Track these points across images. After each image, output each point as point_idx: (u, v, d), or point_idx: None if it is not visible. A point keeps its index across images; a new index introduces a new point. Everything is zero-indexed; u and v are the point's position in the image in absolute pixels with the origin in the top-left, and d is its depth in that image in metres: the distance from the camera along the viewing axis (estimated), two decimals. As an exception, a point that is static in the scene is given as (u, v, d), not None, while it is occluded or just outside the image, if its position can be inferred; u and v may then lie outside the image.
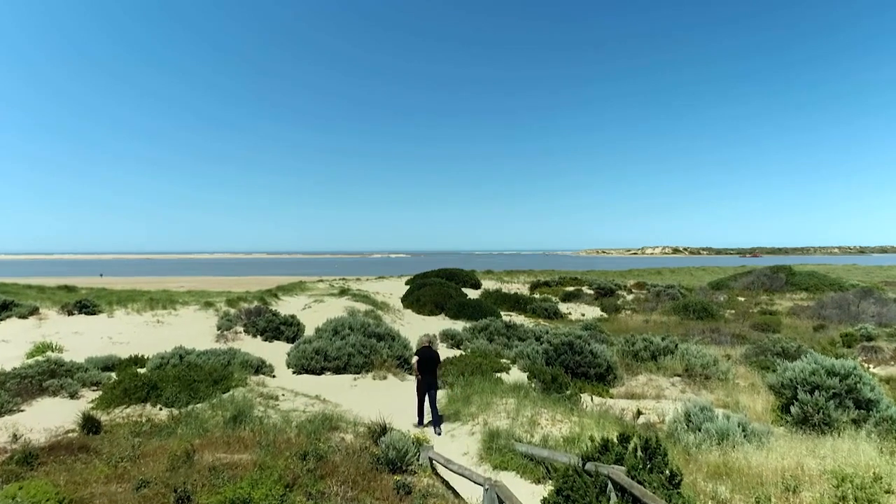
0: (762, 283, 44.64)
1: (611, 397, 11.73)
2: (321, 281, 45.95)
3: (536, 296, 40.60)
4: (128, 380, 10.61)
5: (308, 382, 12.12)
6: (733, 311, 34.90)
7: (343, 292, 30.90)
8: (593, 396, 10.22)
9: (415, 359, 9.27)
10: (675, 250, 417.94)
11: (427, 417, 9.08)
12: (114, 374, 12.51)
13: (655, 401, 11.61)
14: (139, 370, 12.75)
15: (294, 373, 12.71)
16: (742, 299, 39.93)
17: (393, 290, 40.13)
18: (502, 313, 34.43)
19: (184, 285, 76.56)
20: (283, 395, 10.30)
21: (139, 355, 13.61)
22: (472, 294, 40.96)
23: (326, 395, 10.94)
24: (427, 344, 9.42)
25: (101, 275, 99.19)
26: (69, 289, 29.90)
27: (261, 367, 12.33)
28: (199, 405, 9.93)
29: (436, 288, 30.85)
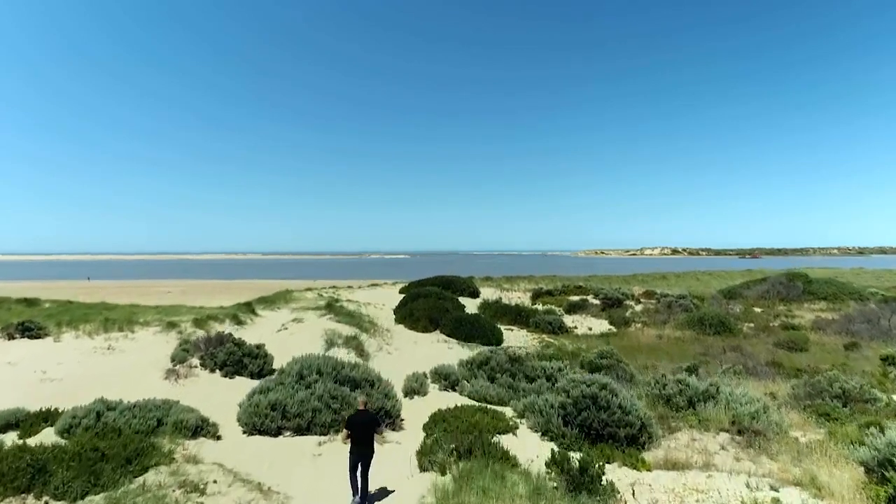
0: (777, 291, 42.10)
1: (648, 470, 9.11)
2: (310, 289, 43.27)
3: (539, 306, 38.02)
4: (8, 459, 7.94)
5: (260, 449, 9.47)
6: (752, 325, 32.38)
7: (329, 305, 28.26)
8: (634, 489, 7.60)
9: (344, 432, 7.82)
10: (674, 251, 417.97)
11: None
12: (15, 436, 9.86)
13: (706, 475, 8.99)
14: (47, 429, 10.10)
15: (245, 433, 10.06)
16: (758, 310, 37.37)
17: (386, 299, 37.55)
18: (503, 328, 31.94)
19: (171, 290, 74.02)
20: (215, 481, 7.64)
21: (51, 409, 10.93)
22: (471, 303, 38.48)
23: (278, 474, 8.30)
24: (362, 406, 7.99)
25: (89, 278, 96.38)
26: (29, 302, 27.22)
27: (201, 428, 9.67)
28: (97, 497, 7.28)
29: (430, 301, 28.22)
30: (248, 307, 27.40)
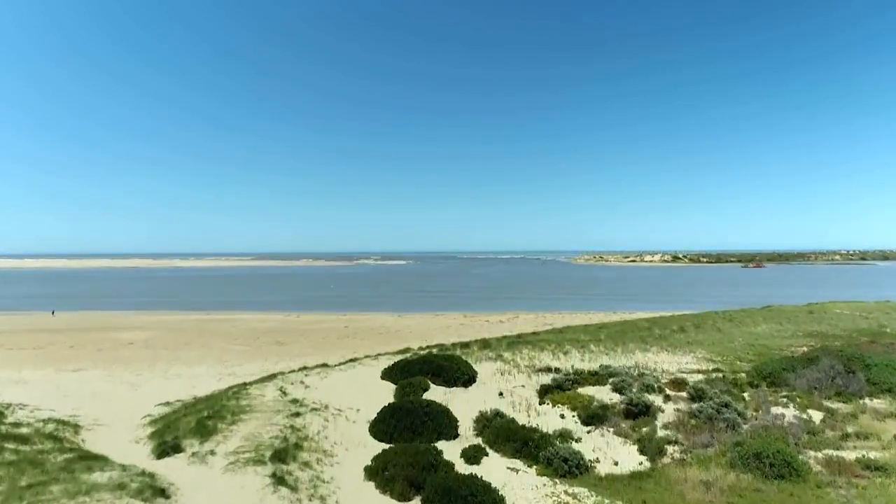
0: (832, 379, 35.26)
1: None
2: (274, 375, 36.56)
3: (548, 410, 31.22)
4: None
5: None
6: (820, 456, 25.56)
7: (279, 456, 21.51)
8: None
9: None
10: (675, 258, 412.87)
11: None
12: None
13: None
14: None
15: None
16: (818, 417, 30.59)
17: (362, 397, 31.23)
18: (505, 464, 25.35)
19: (133, 341, 66.99)
20: None
21: None
22: (464, 403, 32.04)
23: None
24: None
25: (53, 313, 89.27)
26: None
27: None
28: None
29: (410, 454, 21.46)
30: (166, 455, 20.56)
